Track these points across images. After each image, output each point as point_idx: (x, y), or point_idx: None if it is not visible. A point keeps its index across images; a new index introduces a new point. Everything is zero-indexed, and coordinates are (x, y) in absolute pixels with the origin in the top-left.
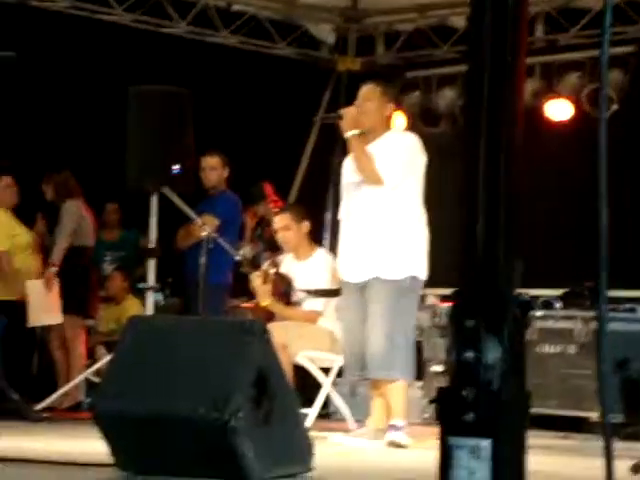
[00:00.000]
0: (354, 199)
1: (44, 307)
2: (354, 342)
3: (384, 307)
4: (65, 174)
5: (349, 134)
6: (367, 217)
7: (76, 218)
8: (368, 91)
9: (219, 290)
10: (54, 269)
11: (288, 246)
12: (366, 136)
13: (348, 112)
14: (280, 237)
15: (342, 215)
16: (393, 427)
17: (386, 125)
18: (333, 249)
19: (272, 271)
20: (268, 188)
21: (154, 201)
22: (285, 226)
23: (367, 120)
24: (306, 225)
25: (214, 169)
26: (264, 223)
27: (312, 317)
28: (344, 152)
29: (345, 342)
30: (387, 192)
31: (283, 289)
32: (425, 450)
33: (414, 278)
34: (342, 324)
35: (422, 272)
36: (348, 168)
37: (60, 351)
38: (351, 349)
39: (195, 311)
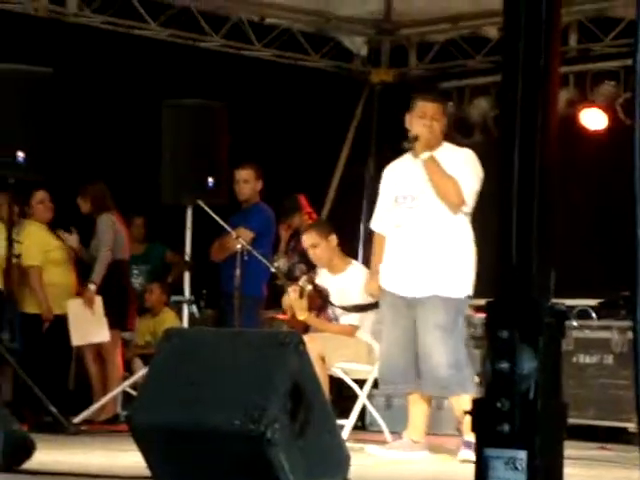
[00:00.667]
0: (409, 212)
1: (88, 325)
2: (397, 355)
3: (445, 324)
4: (100, 186)
5: (424, 156)
6: (426, 232)
7: (112, 232)
8: (436, 111)
9: (254, 302)
10: (93, 287)
11: (321, 262)
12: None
13: (423, 134)
14: (312, 255)
15: (387, 227)
16: (468, 444)
17: (441, 139)
18: (367, 261)
19: (309, 287)
20: (302, 200)
21: (189, 214)
22: (313, 244)
23: (434, 139)
24: (333, 239)
25: (247, 182)
26: (298, 235)
27: (349, 331)
28: (377, 164)
29: (386, 354)
30: (453, 213)
31: (320, 304)
32: (460, 462)
33: (469, 296)
34: (383, 335)
35: (472, 289)
36: (397, 180)
37: (95, 364)
38: (391, 361)
39: (230, 323)
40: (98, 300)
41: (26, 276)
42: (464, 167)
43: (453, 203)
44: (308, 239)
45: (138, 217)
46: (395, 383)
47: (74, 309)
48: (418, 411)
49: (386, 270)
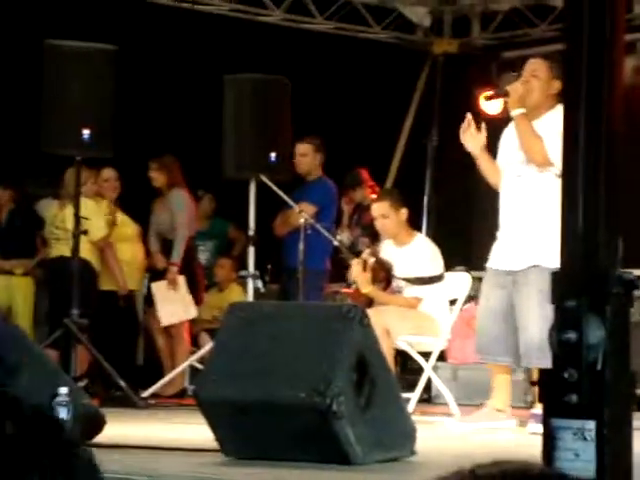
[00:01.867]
0: (512, 182)
1: (175, 304)
2: (492, 327)
3: (542, 295)
4: (173, 159)
5: (515, 112)
6: (527, 202)
7: (187, 207)
8: (535, 67)
9: (317, 276)
10: (175, 269)
11: (388, 234)
12: (529, 114)
13: (515, 89)
14: (379, 225)
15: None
16: (537, 417)
17: (550, 103)
18: (430, 234)
19: (372, 260)
20: (365, 174)
21: (252, 189)
22: (383, 214)
23: (532, 98)
24: (404, 212)
25: (304, 155)
26: (361, 209)
27: (413, 304)
28: (440, 136)
29: (481, 326)
30: (548, 176)
31: (383, 276)
32: (529, 434)
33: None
34: (479, 308)
35: None
36: (505, 143)
37: (164, 339)
38: (487, 333)
39: (294, 297)
40: (181, 280)
41: (100, 252)
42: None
43: (537, 162)
44: (379, 208)
45: (206, 193)
46: (494, 354)
47: (159, 290)
48: (502, 380)
49: (495, 244)
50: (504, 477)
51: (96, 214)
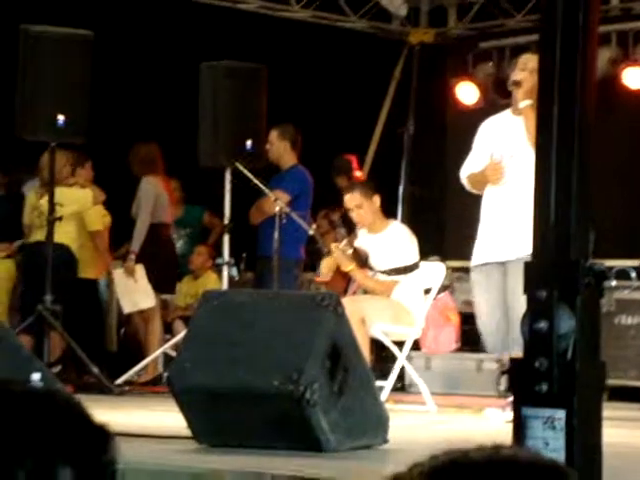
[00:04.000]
0: (506, 171)
1: (134, 293)
2: (498, 324)
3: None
4: (151, 147)
5: (524, 104)
6: (524, 191)
7: (152, 195)
8: (535, 63)
9: (292, 264)
10: (132, 257)
11: (363, 223)
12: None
13: (526, 80)
14: (355, 216)
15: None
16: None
17: None
18: (405, 223)
19: (349, 252)
20: (353, 162)
21: (228, 177)
22: (357, 205)
23: (535, 91)
24: (377, 199)
25: (272, 144)
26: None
27: (390, 286)
28: (416, 125)
29: (488, 325)
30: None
31: (360, 266)
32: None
33: None
34: (483, 309)
35: None
36: (495, 135)
37: (141, 324)
38: (493, 331)
39: (269, 286)
40: (139, 268)
41: (89, 240)
42: None
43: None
44: (352, 200)
45: (175, 181)
46: (499, 350)
47: (119, 278)
48: None
49: (480, 238)
50: (490, 464)
51: (91, 203)
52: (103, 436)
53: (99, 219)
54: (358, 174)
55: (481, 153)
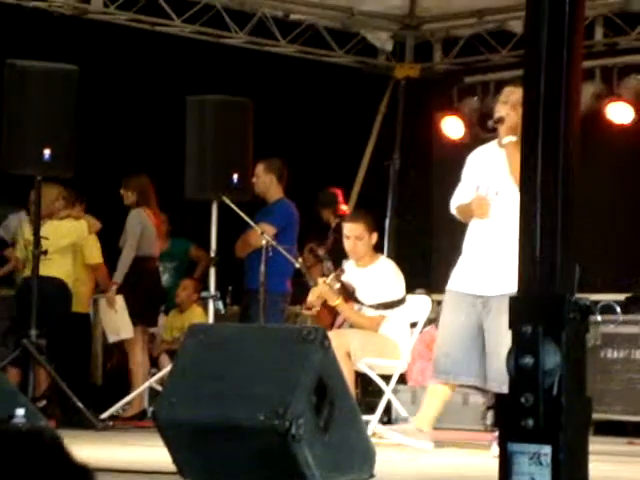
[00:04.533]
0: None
1: (117, 323)
2: (459, 348)
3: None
4: (144, 179)
5: (506, 140)
6: (508, 227)
7: (139, 229)
8: (519, 95)
9: (278, 298)
10: (114, 287)
11: (356, 255)
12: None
13: (510, 116)
14: (351, 246)
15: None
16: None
17: None
18: (391, 256)
19: (337, 286)
20: (339, 196)
21: (214, 210)
22: (358, 236)
23: (518, 128)
24: (375, 236)
25: (258, 177)
26: (326, 230)
27: (377, 321)
28: (402, 159)
29: (443, 346)
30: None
31: (347, 296)
32: (487, 457)
33: None
34: (441, 329)
35: None
36: (480, 168)
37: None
38: (449, 352)
39: (255, 319)
40: (119, 299)
41: (85, 274)
42: None
43: None
44: (355, 230)
45: (162, 214)
46: (455, 374)
47: (104, 308)
48: (435, 403)
49: (461, 267)
50: None
51: (89, 236)
52: (84, 476)
53: (98, 252)
54: (344, 208)
55: (469, 185)
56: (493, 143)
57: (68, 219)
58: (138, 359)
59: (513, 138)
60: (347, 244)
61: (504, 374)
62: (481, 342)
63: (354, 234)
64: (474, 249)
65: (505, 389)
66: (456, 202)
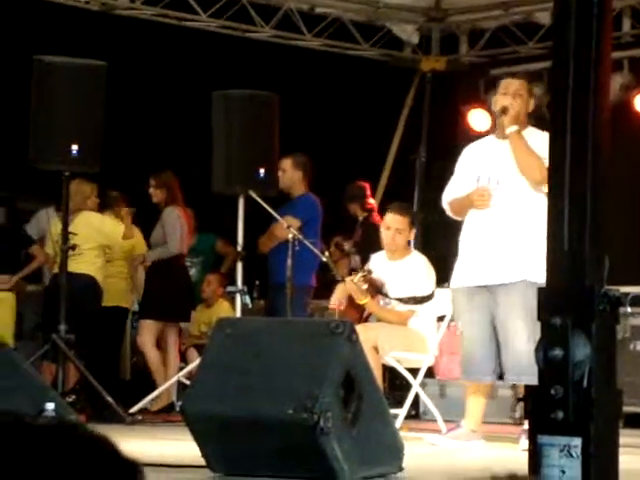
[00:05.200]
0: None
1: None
2: (480, 348)
3: (528, 310)
4: (171, 175)
5: (510, 129)
6: (511, 215)
7: (179, 226)
8: (518, 87)
9: (304, 291)
10: (143, 260)
11: (392, 248)
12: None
13: (513, 106)
14: (389, 237)
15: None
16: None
17: (526, 122)
18: (418, 249)
19: (364, 287)
20: (367, 189)
21: (241, 205)
22: (399, 228)
23: (521, 116)
24: (413, 233)
25: (283, 171)
26: (354, 224)
27: (407, 316)
28: (428, 152)
29: (472, 345)
30: (534, 191)
31: (375, 292)
32: (516, 450)
33: None
34: (466, 331)
35: None
36: (480, 159)
37: (155, 353)
38: (476, 352)
39: (281, 313)
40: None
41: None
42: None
43: (536, 180)
44: (399, 222)
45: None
46: (480, 374)
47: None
48: (476, 401)
49: (463, 261)
50: None
51: (119, 238)
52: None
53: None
54: (371, 201)
55: (465, 178)
56: (490, 136)
57: (110, 217)
58: (151, 356)
59: (516, 127)
60: (386, 235)
61: (520, 364)
62: (496, 337)
63: (396, 226)
64: (476, 240)
65: (524, 379)
66: (449, 196)
